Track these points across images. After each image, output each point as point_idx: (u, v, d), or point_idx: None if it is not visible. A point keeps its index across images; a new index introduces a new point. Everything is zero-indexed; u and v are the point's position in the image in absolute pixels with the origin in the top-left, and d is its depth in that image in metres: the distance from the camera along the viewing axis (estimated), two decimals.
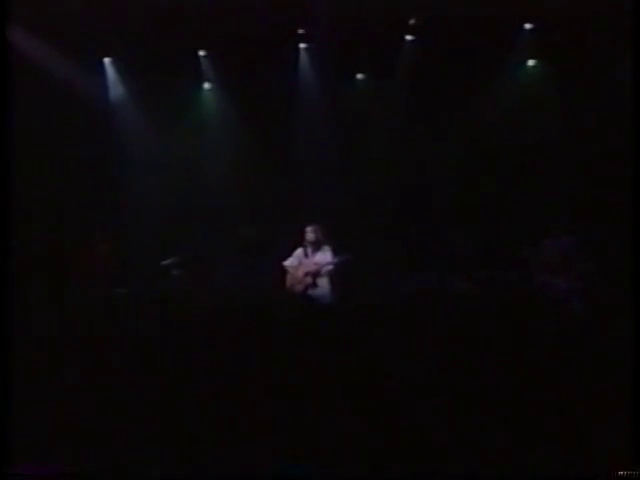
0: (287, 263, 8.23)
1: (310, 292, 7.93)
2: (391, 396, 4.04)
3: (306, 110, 10.18)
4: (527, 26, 9.39)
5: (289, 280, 8.15)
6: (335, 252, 8.08)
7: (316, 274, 7.99)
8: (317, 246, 8.14)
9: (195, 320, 5.37)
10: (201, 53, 10.02)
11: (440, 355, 4.53)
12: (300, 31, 9.84)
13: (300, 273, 8.04)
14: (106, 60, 10.04)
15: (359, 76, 10.32)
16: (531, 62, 9.86)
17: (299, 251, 8.22)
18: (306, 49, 10.05)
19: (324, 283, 8.06)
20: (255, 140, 9.98)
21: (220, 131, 10.37)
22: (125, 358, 4.35)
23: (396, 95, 10.04)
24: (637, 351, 4.14)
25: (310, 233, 8.14)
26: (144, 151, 10.19)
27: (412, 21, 9.53)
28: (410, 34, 9.70)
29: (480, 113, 9.70)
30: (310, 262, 8.09)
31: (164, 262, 8.95)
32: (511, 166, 9.68)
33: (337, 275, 8.08)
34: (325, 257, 8.10)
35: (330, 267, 7.97)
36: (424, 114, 9.70)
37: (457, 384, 4.08)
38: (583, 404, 3.83)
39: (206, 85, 10.39)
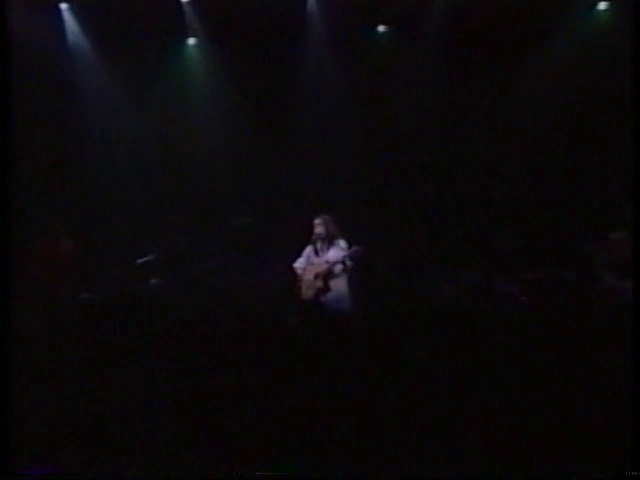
0: (297, 265, 8.11)
1: (322, 298, 7.82)
2: (427, 420, 4.35)
3: (315, 70, 10.12)
4: None
5: (297, 285, 8.01)
6: (351, 245, 7.87)
7: (328, 275, 7.87)
8: (328, 241, 7.98)
9: (178, 332, 5.44)
10: (184, 0, 9.90)
11: (483, 374, 4.64)
12: None
13: (310, 275, 7.92)
14: (63, 6, 9.89)
15: (381, 28, 10.18)
16: (602, 5, 9.62)
17: (308, 249, 8.07)
18: None
19: (339, 285, 7.90)
20: (251, 108, 9.97)
21: (208, 97, 10.33)
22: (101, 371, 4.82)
23: (427, 52, 9.89)
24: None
25: (319, 226, 7.97)
26: (113, 122, 10.15)
27: None
28: None
29: (534, 74, 9.59)
30: (321, 261, 7.94)
31: (140, 260, 8.97)
32: (568, 140, 9.50)
33: (353, 274, 7.91)
34: (338, 254, 7.90)
35: (341, 265, 7.82)
36: (461, 76, 9.56)
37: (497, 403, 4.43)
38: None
39: (191, 40, 10.32)
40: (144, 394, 4.56)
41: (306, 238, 8.17)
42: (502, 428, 4.23)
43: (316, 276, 7.93)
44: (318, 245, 8.08)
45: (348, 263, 7.91)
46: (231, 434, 4.29)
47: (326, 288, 7.91)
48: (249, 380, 4.64)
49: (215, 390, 4.59)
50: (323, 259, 8.01)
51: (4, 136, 8.80)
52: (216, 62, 10.25)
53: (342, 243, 7.99)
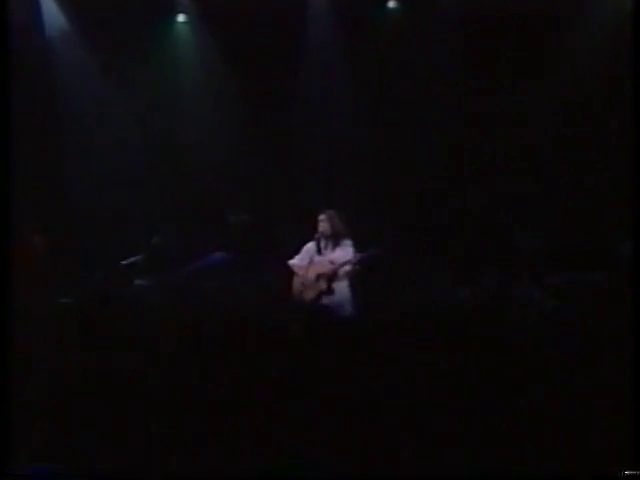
0: (294, 262, 8.06)
1: (324, 300, 7.77)
2: (432, 420, 4.38)
3: (317, 49, 10.01)
4: None
5: (296, 285, 7.97)
6: (358, 248, 7.82)
7: (332, 276, 7.81)
8: (334, 240, 7.93)
9: (167, 339, 5.29)
10: None
11: (499, 380, 4.56)
12: None
13: (311, 275, 7.88)
14: None
15: (391, 4, 10.13)
16: None
17: (310, 246, 8.02)
18: None
19: (343, 288, 7.85)
20: (247, 92, 9.85)
21: (200, 80, 10.24)
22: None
23: (441, 30, 9.81)
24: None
25: (323, 223, 7.90)
26: (96, 108, 10.04)
27: None
28: None
29: (557, 55, 9.48)
30: (324, 260, 7.88)
31: (125, 261, 8.89)
32: (600, 131, 9.39)
33: (361, 278, 7.89)
34: (345, 254, 7.85)
35: (350, 266, 7.75)
36: (479, 57, 9.48)
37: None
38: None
39: (180, 17, 10.27)
40: (136, 400, 4.63)
41: (309, 236, 8.11)
42: (504, 428, 4.32)
43: (318, 277, 7.86)
44: (322, 243, 8.01)
45: (358, 266, 7.84)
46: (227, 443, 4.35)
47: (330, 291, 7.85)
48: (243, 389, 4.64)
49: (207, 399, 4.60)
50: (326, 259, 7.94)
51: None
52: (208, 41, 10.13)
53: (348, 243, 7.90)
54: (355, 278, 7.91)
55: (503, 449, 4.21)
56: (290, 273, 8.07)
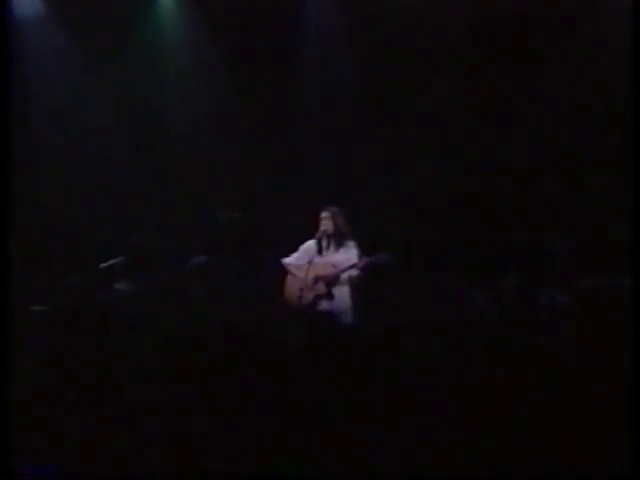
0: (290, 261, 7.97)
1: (323, 306, 7.74)
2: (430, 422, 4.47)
3: (317, 30, 9.88)
4: None
5: (291, 286, 7.87)
6: (363, 249, 7.72)
7: (333, 281, 7.74)
8: (336, 240, 7.84)
9: (152, 350, 5.32)
10: None
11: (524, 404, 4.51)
12: None
13: (309, 277, 7.75)
14: None
15: None
16: None
17: (309, 244, 7.92)
18: None
19: (344, 294, 7.77)
20: (241, 75, 9.71)
21: (187, 61, 10.09)
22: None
23: (445, 21, 9.66)
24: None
25: (326, 220, 7.80)
26: (73, 93, 9.89)
27: None
28: None
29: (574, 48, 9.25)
30: (326, 262, 7.80)
31: (104, 264, 8.77)
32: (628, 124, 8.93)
33: (365, 285, 7.77)
34: (348, 257, 7.77)
35: (355, 271, 7.67)
36: (496, 35, 9.31)
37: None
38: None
39: None
40: (133, 401, 4.74)
41: (309, 236, 8.00)
42: (503, 428, 4.45)
43: (316, 279, 7.76)
44: (323, 243, 7.91)
45: (364, 271, 7.72)
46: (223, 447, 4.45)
47: (329, 296, 7.77)
48: (238, 401, 4.68)
49: (199, 412, 4.65)
50: (328, 260, 7.84)
51: None
52: (196, 19, 9.99)
53: (352, 244, 7.82)
54: (359, 284, 7.81)
55: (517, 452, 4.32)
56: (285, 273, 7.99)
